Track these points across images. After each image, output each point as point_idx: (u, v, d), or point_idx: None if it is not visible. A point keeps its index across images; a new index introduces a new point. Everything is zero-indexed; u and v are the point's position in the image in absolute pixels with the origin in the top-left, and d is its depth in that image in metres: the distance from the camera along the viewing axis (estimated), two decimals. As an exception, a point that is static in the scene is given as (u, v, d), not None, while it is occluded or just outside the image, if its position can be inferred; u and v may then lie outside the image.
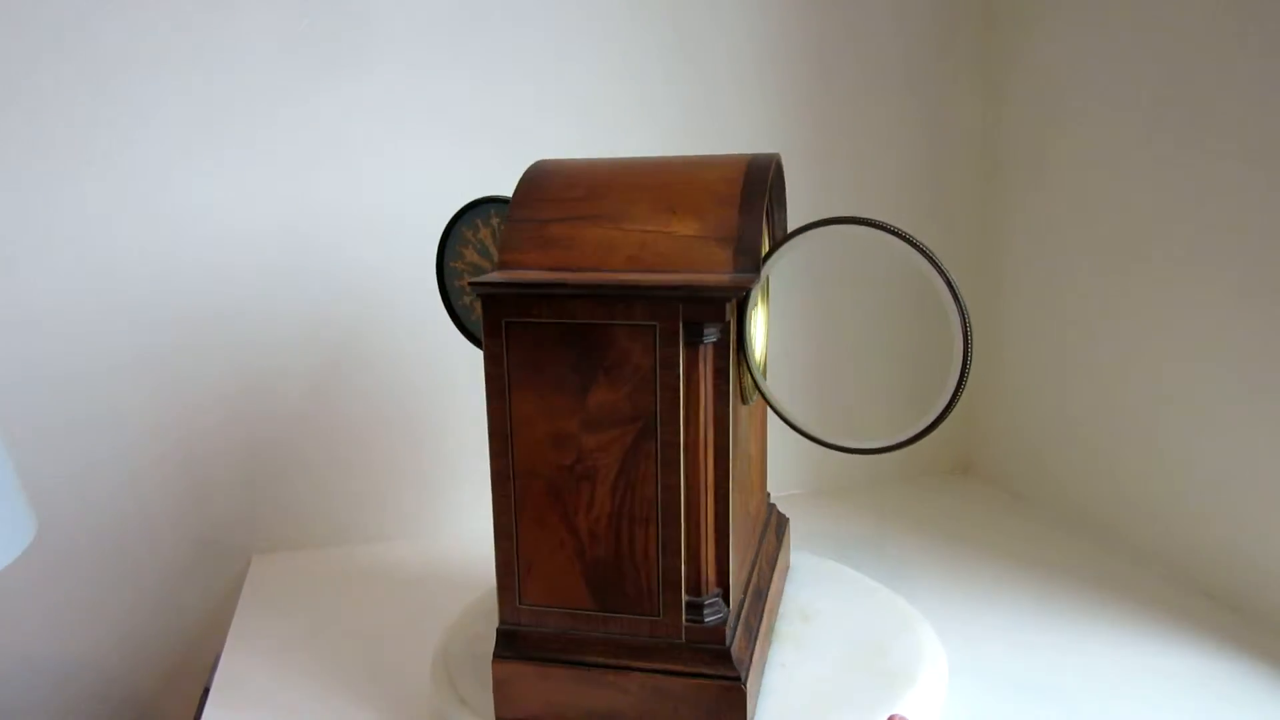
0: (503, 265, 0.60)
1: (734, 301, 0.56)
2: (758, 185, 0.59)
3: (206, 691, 0.75)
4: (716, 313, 0.55)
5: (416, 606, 0.85)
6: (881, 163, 1.06)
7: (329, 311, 0.96)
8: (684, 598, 0.59)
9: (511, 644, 0.61)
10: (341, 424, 0.98)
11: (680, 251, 0.57)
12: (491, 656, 0.61)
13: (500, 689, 0.61)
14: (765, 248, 0.61)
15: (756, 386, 0.62)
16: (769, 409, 0.67)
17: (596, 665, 0.60)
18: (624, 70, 0.99)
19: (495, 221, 0.77)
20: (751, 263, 0.56)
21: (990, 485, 1.13)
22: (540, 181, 0.62)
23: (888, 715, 0.60)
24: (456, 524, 1.02)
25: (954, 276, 0.50)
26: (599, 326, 0.56)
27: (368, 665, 0.77)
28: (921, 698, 0.63)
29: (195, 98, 0.90)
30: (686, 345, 0.56)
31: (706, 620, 0.59)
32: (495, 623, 0.68)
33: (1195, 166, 0.83)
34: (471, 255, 0.79)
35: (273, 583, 0.92)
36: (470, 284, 0.57)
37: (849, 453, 0.59)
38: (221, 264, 0.93)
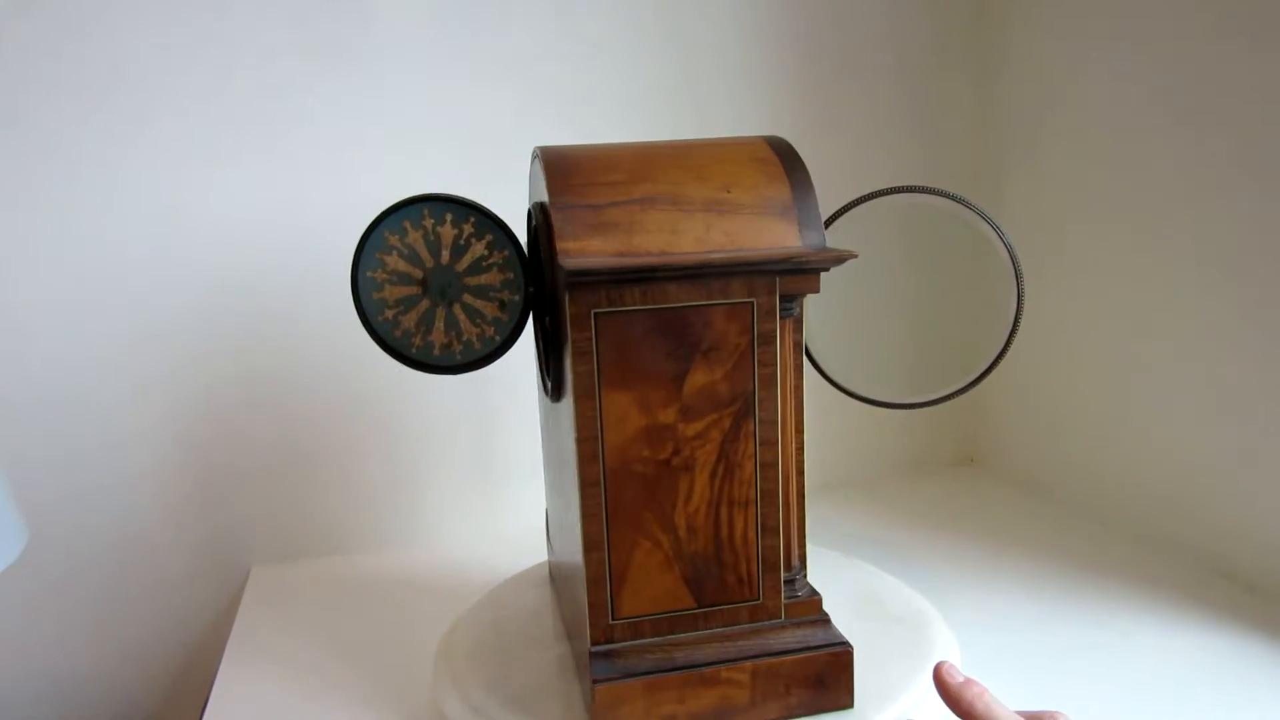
0: (563, 255, 0.55)
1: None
2: (794, 160, 0.60)
3: (208, 703, 0.73)
4: (811, 284, 0.56)
5: (417, 614, 0.83)
6: (874, 151, 1.06)
7: (325, 319, 0.93)
8: (782, 575, 0.59)
9: (612, 663, 0.56)
10: (339, 433, 0.97)
11: (745, 229, 0.57)
12: (592, 683, 0.56)
13: (605, 714, 0.56)
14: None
15: (808, 354, 0.63)
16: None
17: (708, 664, 0.57)
18: (613, 66, 0.98)
19: (429, 223, 0.70)
20: (817, 235, 0.58)
21: (996, 476, 1.11)
22: (573, 166, 0.58)
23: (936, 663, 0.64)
24: (455, 530, 1.01)
25: (1006, 231, 0.56)
26: (694, 309, 0.54)
27: (369, 675, 0.74)
28: (946, 636, 0.68)
29: (191, 107, 0.89)
30: (780, 319, 0.56)
31: (800, 593, 0.59)
32: (492, 627, 0.68)
33: (1193, 152, 0.81)
34: (396, 263, 0.70)
35: (272, 593, 0.91)
36: (567, 271, 0.52)
37: (901, 408, 0.62)
38: (217, 273, 0.91)
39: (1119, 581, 0.83)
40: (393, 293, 0.71)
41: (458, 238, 0.70)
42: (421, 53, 0.94)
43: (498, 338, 0.71)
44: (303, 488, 0.97)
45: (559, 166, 0.58)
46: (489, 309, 0.71)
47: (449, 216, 0.70)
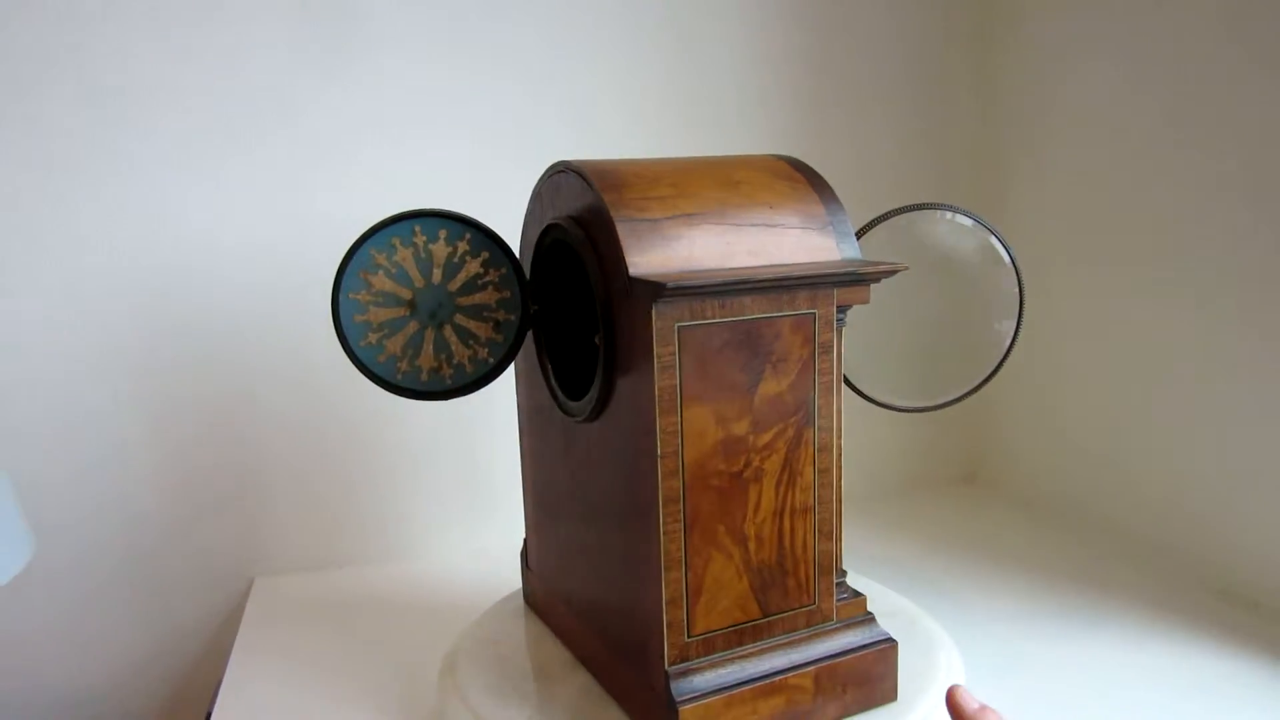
0: (636, 268, 0.54)
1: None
2: (817, 178, 0.63)
3: (209, 717, 0.73)
4: (863, 295, 0.58)
5: (421, 629, 0.82)
6: (877, 161, 1.06)
7: (330, 331, 0.91)
8: (835, 579, 0.60)
9: (690, 682, 0.55)
10: (344, 446, 0.96)
11: (792, 243, 0.59)
12: (675, 703, 0.55)
13: (692, 735, 0.55)
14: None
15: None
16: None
17: (778, 673, 0.58)
18: (623, 74, 0.99)
19: (421, 240, 0.67)
20: (852, 248, 0.60)
21: (996, 493, 1.10)
22: (621, 181, 0.57)
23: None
24: (460, 545, 1.00)
25: (1009, 241, 0.62)
26: (766, 320, 0.55)
27: (373, 689, 0.74)
28: (949, 646, 0.70)
29: (191, 114, 0.88)
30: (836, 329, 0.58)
31: (845, 595, 0.62)
32: (496, 663, 0.67)
33: (1193, 161, 0.81)
34: (383, 283, 0.66)
35: (275, 606, 0.90)
36: (661, 285, 0.51)
37: (907, 411, 0.66)
38: (222, 282, 0.91)
39: (1119, 599, 0.82)
40: (378, 315, 0.67)
41: (451, 255, 0.67)
42: (421, 60, 0.93)
43: (491, 359, 0.69)
44: (307, 499, 0.96)
45: (609, 181, 0.57)
46: (483, 330, 0.68)
47: (443, 233, 0.67)
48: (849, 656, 0.60)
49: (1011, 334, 0.64)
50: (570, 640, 0.69)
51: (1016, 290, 0.63)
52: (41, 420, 0.87)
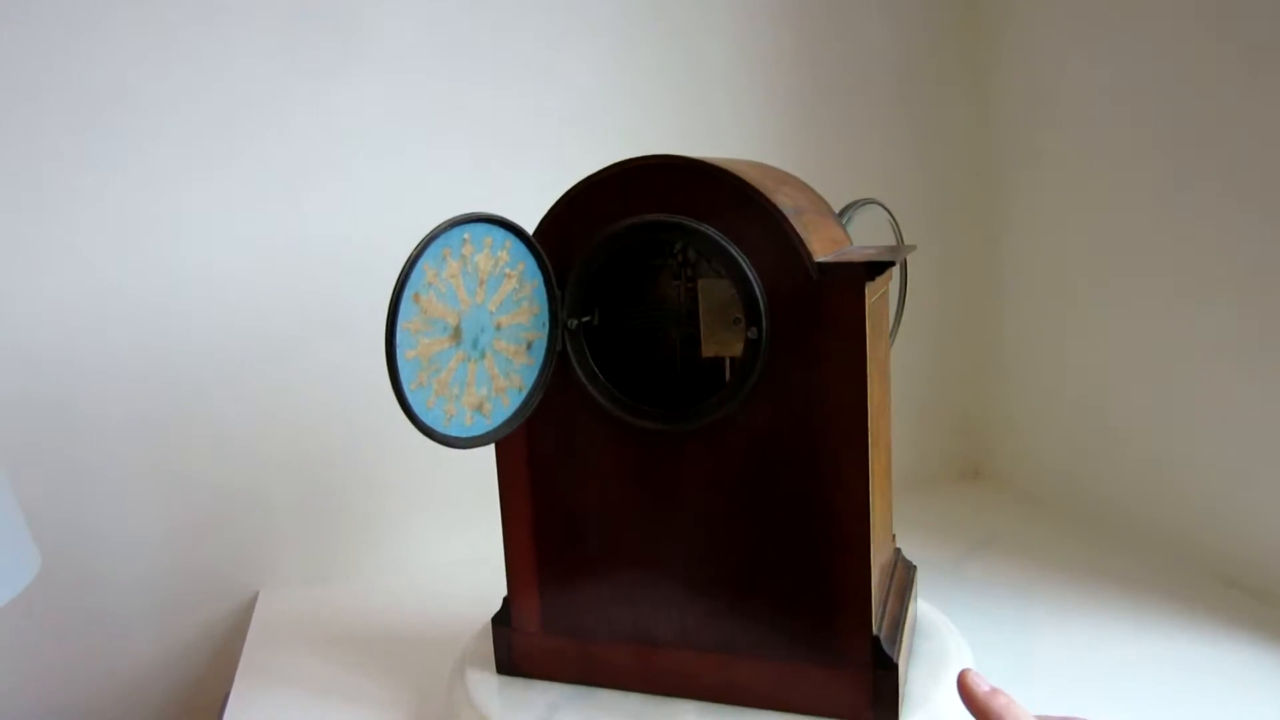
0: (819, 254, 0.56)
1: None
2: (798, 179, 0.70)
3: None
4: (890, 272, 0.68)
5: (431, 640, 0.80)
6: (873, 168, 1.04)
7: (332, 342, 0.93)
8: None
9: (884, 655, 0.59)
10: (348, 456, 0.95)
11: (840, 232, 0.66)
12: (894, 665, 0.58)
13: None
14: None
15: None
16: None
17: (902, 614, 0.64)
18: (618, 76, 0.97)
19: (468, 251, 0.56)
20: (849, 239, 0.69)
21: (1001, 489, 1.09)
22: (744, 174, 0.57)
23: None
24: (467, 553, 0.96)
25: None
26: (878, 297, 0.62)
27: (383, 702, 0.72)
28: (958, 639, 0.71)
29: (186, 126, 0.86)
30: (882, 303, 0.66)
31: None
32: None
33: (1188, 161, 0.81)
34: (433, 306, 0.55)
35: (280, 618, 0.88)
36: (876, 266, 0.53)
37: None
38: (221, 294, 0.89)
39: (1128, 592, 0.82)
40: (426, 349, 0.55)
41: (493, 269, 0.58)
42: (416, 68, 0.91)
43: (524, 387, 0.60)
44: (312, 511, 0.95)
45: (742, 173, 0.57)
46: (518, 355, 0.60)
47: (488, 240, 0.57)
48: (910, 587, 0.69)
49: (899, 303, 0.79)
50: (645, 680, 0.63)
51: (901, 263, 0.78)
52: (40, 437, 0.85)
